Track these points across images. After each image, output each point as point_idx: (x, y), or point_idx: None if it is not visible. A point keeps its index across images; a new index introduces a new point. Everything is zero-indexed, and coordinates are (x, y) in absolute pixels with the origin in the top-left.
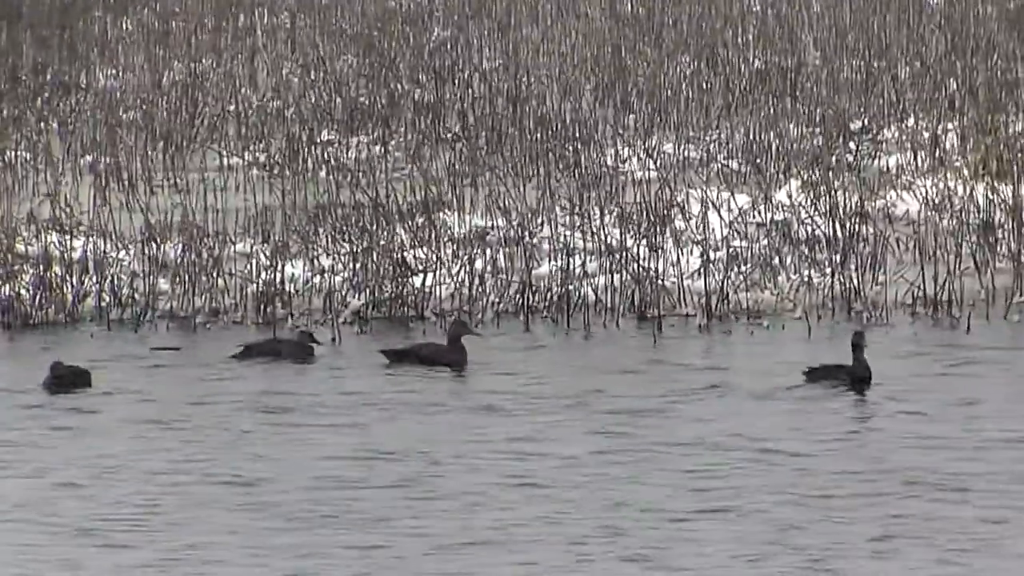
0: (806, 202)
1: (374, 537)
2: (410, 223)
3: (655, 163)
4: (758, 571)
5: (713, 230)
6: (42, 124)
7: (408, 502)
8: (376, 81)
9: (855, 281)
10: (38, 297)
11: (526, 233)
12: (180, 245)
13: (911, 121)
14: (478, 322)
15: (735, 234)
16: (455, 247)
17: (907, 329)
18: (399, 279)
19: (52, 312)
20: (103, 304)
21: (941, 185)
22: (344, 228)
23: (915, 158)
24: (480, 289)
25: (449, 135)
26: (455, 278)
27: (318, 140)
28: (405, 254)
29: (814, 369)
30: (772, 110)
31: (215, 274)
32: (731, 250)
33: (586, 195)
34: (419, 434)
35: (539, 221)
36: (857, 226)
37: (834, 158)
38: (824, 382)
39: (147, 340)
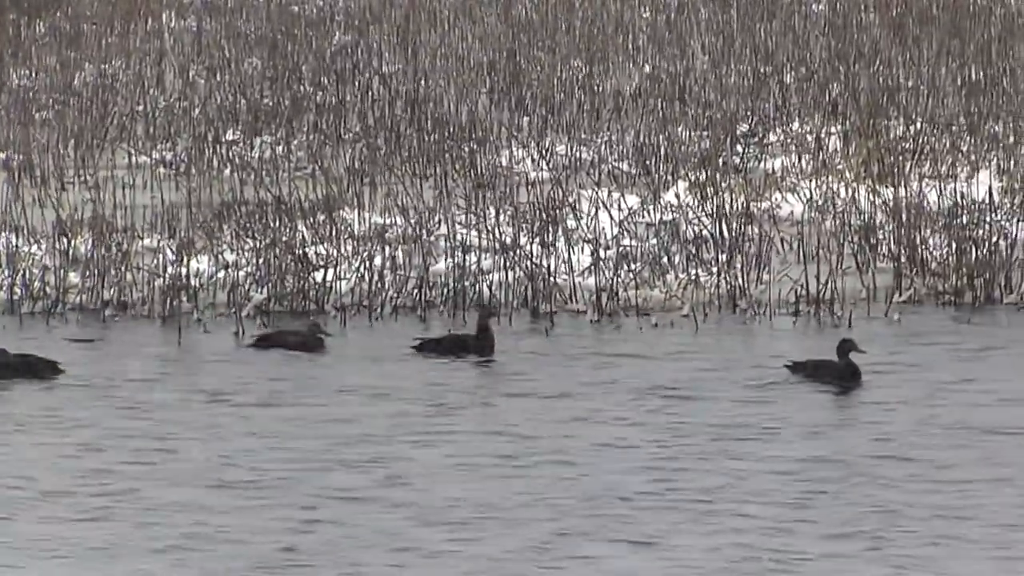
0: (694, 203)
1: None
2: (312, 220)
3: (548, 164)
4: None
5: (604, 229)
6: None
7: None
8: (280, 83)
9: (741, 280)
10: None
11: (423, 231)
12: (90, 240)
13: (796, 125)
14: (377, 316)
15: (625, 233)
16: (355, 244)
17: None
18: (301, 274)
19: None
20: (15, 297)
21: (824, 187)
22: (248, 225)
23: (799, 161)
24: (379, 284)
25: (350, 136)
26: (355, 273)
27: (223, 140)
28: (307, 250)
29: (799, 364)
30: (661, 114)
31: (123, 268)
32: (621, 249)
33: (481, 194)
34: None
35: (436, 219)
36: (743, 226)
37: (721, 160)
38: (809, 378)
39: (58, 332)
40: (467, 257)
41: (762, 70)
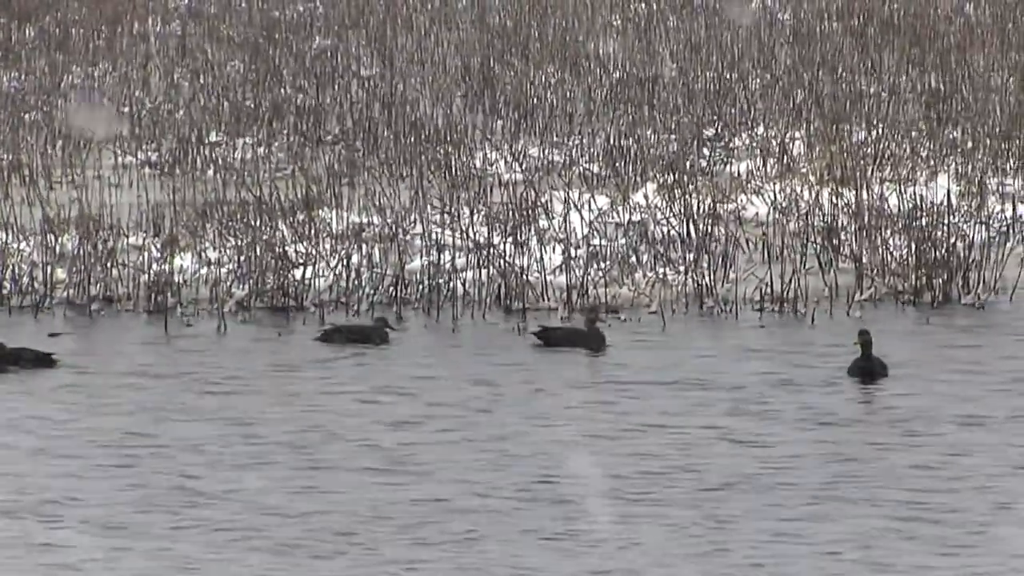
0: (662, 204)
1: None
2: (291, 219)
3: (521, 166)
4: None
5: (574, 229)
6: None
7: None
8: (261, 86)
9: (707, 278)
10: None
11: (400, 230)
12: (77, 237)
13: (761, 129)
14: (354, 312)
15: (595, 233)
16: (333, 242)
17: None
18: (281, 271)
19: None
20: (4, 292)
21: (788, 190)
22: (230, 223)
23: (764, 164)
24: (356, 282)
25: (329, 137)
26: (333, 271)
27: (206, 141)
28: (286, 248)
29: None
30: (631, 118)
31: (109, 265)
32: (591, 248)
33: (456, 195)
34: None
35: (412, 219)
36: (709, 227)
37: (688, 163)
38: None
39: (45, 326)
40: (442, 255)
41: (728, 76)
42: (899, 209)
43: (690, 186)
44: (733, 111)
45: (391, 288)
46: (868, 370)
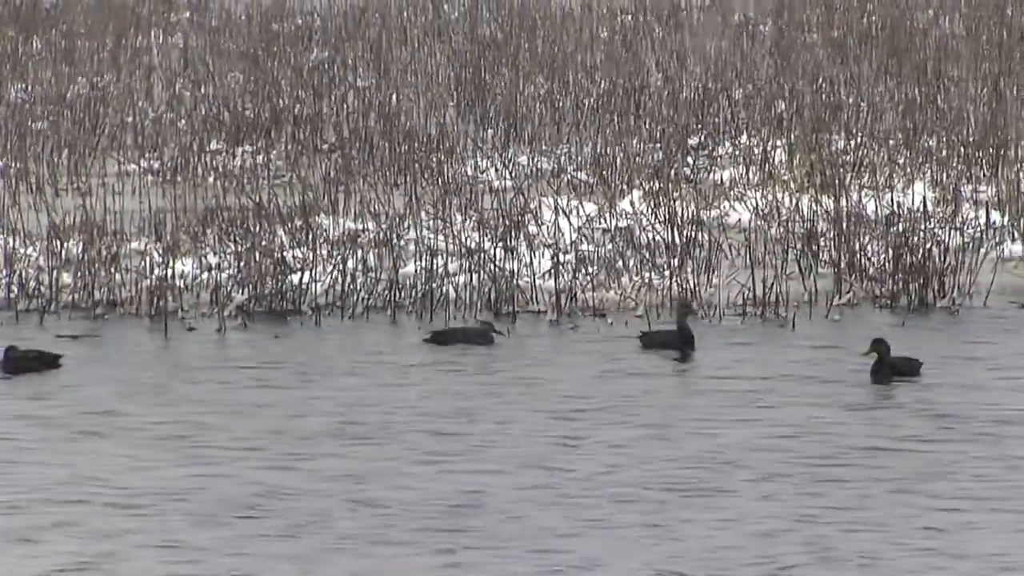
0: (647, 210)
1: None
2: (289, 225)
3: (511, 173)
4: None
5: (563, 235)
6: None
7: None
8: (260, 96)
9: (691, 283)
10: None
11: (394, 235)
12: (81, 243)
13: (743, 138)
14: (349, 316)
15: (583, 239)
16: (330, 247)
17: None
18: (279, 276)
19: None
20: (11, 295)
21: (770, 197)
22: (230, 229)
23: (747, 172)
24: (352, 286)
25: (325, 146)
26: (329, 275)
27: (207, 149)
28: (284, 253)
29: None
30: (617, 127)
31: (113, 269)
32: (579, 253)
33: (448, 202)
34: None
35: (406, 225)
36: (693, 233)
37: (673, 171)
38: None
39: (52, 328)
40: (435, 260)
41: (712, 87)
42: (877, 215)
43: (675, 193)
44: (716, 120)
45: (385, 292)
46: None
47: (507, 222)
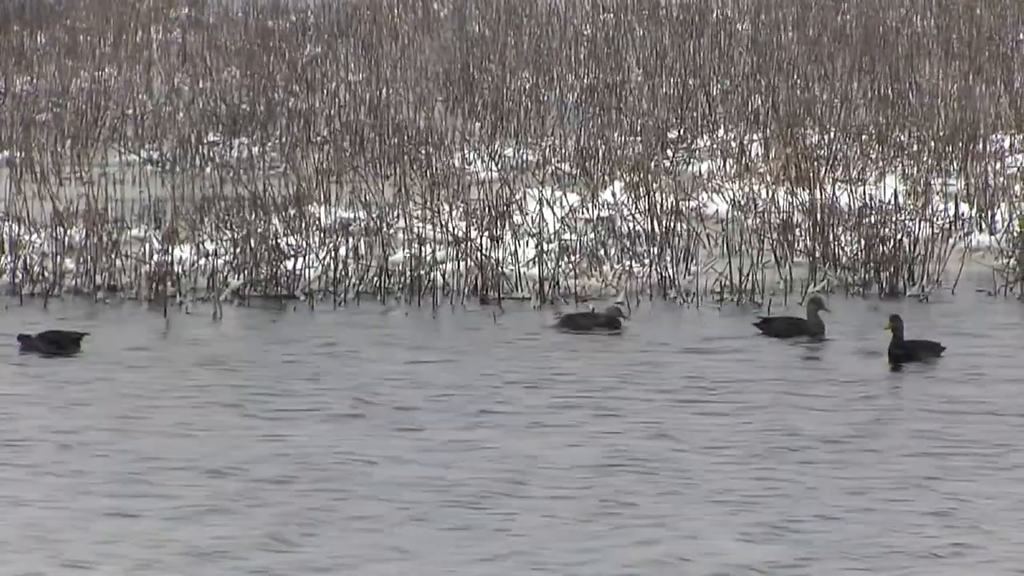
0: (628, 201)
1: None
2: (283, 214)
3: (497, 165)
4: None
5: (547, 224)
6: None
7: None
8: (256, 90)
9: (670, 271)
10: None
11: (384, 224)
12: (84, 230)
13: (721, 132)
14: (340, 301)
15: (566, 228)
16: (322, 235)
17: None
18: (273, 262)
19: None
20: (16, 280)
21: (747, 189)
22: (226, 217)
23: (724, 165)
24: (343, 272)
25: (318, 138)
26: (322, 262)
27: (205, 141)
28: (279, 241)
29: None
30: (600, 120)
31: (114, 256)
32: (562, 242)
33: (436, 192)
34: None
35: (395, 214)
36: (672, 223)
37: (653, 163)
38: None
39: (56, 312)
40: (423, 248)
41: (691, 82)
42: (850, 207)
43: (655, 185)
44: (695, 115)
45: (375, 278)
46: (906, 354)
47: (493, 212)
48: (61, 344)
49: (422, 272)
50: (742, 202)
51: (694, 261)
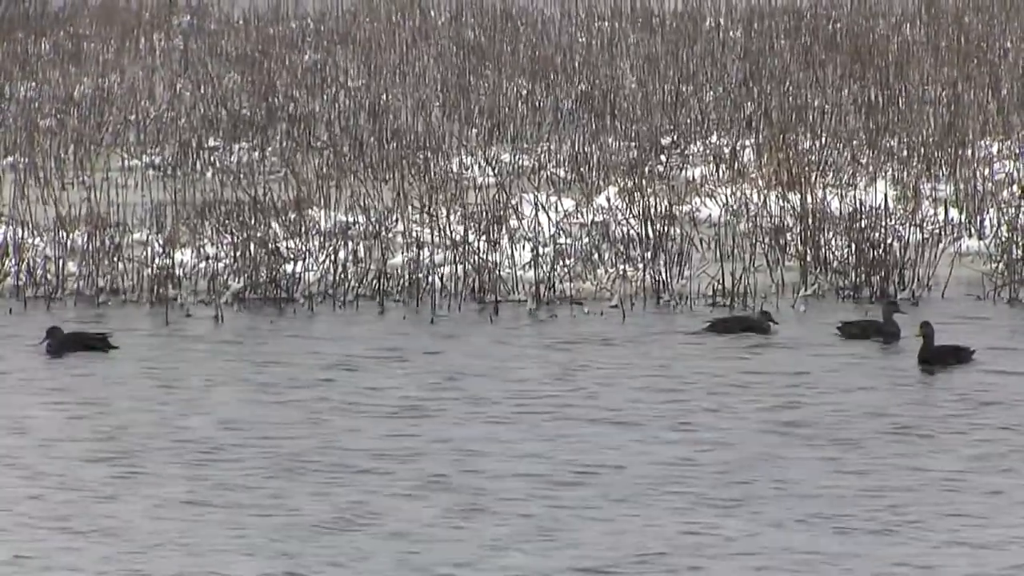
0: (622, 206)
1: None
2: (283, 218)
3: (494, 170)
4: None
5: (542, 228)
6: None
7: None
8: (256, 96)
9: (664, 275)
10: None
11: (382, 228)
12: (86, 234)
13: (714, 138)
14: (340, 304)
15: (561, 232)
16: (322, 239)
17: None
18: (273, 266)
19: None
20: (20, 283)
21: (739, 194)
22: (227, 221)
23: (717, 170)
24: (342, 275)
25: (318, 143)
26: (321, 266)
27: (206, 146)
28: (279, 244)
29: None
30: (594, 126)
31: (116, 259)
32: (558, 246)
33: (434, 196)
34: None
35: (394, 218)
36: (666, 227)
37: (647, 168)
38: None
39: (59, 315)
40: (421, 252)
41: (684, 89)
42: (840, 212)
43: (648, 190)
44: (688, 121)
45: (374, 282)
46: (937, 357)
47: (490, 216)
48: (92, 346)
49: (420, 275)
50: (734, 207)
51: (687, 265)
